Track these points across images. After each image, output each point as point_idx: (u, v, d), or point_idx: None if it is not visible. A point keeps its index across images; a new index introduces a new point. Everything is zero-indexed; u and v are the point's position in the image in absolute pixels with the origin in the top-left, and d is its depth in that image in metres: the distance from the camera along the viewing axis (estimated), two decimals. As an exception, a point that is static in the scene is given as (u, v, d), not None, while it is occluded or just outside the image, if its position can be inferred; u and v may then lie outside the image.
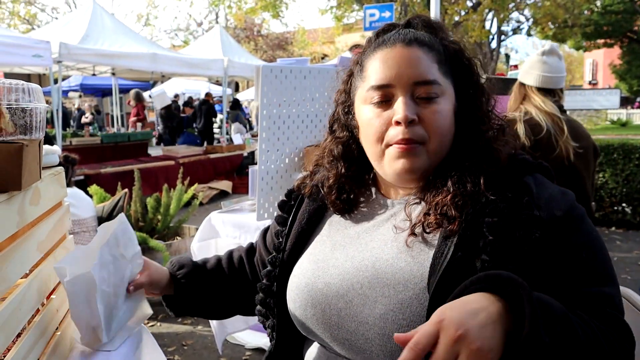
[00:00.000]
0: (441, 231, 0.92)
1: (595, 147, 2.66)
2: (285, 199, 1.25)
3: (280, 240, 1.18)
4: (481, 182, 0.92)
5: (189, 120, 12.85)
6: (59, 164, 1.35)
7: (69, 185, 3.36)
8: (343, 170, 1.09)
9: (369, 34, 1.14)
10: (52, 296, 1.17)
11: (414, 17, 1.06)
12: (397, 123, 0.95)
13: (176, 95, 14.69)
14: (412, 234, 0.96)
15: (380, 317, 0.93)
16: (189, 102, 13.74)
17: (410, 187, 1.04)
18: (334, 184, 1.09)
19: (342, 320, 0.97)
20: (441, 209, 0.92)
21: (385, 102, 0.98)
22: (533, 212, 0.88)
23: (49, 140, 9.11)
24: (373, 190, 1.11)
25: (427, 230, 0.95)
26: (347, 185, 1.09)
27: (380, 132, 0.97)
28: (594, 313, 0.84)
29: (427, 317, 0.86)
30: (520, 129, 2.39)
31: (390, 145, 0.97)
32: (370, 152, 1.02)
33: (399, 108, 0.94)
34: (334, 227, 1.12)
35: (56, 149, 1.34)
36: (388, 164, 0.98)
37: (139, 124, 12.42)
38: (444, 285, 0.87)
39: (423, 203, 0.99)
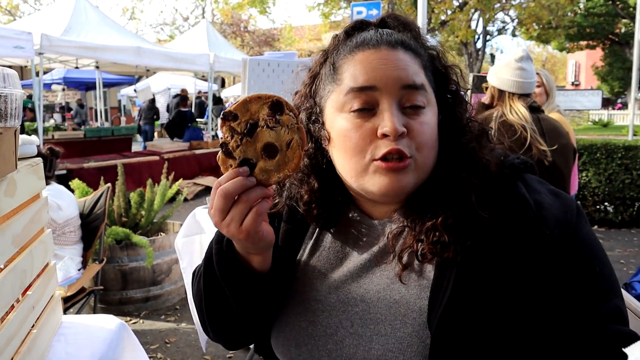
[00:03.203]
0: (436, 260, 0.85)
1: (573, 147, 2.75)
2: None
3: None
4: (472, 198, 0.84)
5: (192, 115, 12.67)
6: (42, 156, 1.31)
7: (51, 178, 3.28)
8: (316, 185, 0.96)
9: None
10: (28, 292, 1.12)
11: (388, 16, 0.95)
12: (384, 136, 0.83)
13: (153, 100, 14.62)
14: (404, 266, 0.87)
15: (377, 359, 0.84)
16: (185, 98, 13.44)
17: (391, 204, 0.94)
18: (309, 199, 0.97)
19: None
20: (433, 236, 0.84)
21: (367, 110, 0.85)
22: (541, 230, 0.81)
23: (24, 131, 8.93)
24: (353, 207, 0.99)
25: (421, 260, 0.86)
26: (324, 199, 0.97)
27: (362, 145, 0.85)
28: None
29: (430, 357, 0.79)
30: (494, 127, 2.46)
31: (375, 160, 0.84)
32: (347, 167, 0.88)
33: (387, 119, 0.82)
34: (312, 252, 1.00)
35: (34, 139, 1.29)
36: (371, 181, 0.86)
37: None
38: (447, 320, 0.79)
39: (408, 229, 0.90)
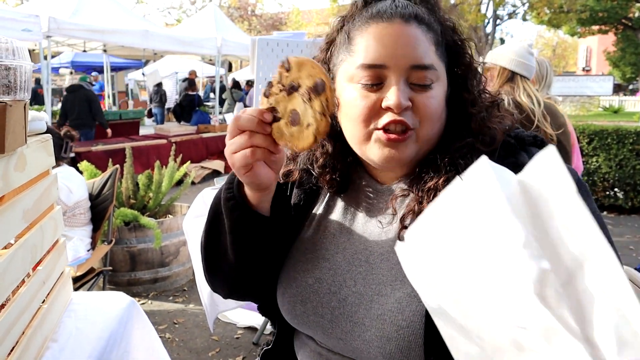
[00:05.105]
0: None
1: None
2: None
3: None
4: (475, 161, 0.86)
5: (199, 98, 12.58)
6: (57, 136, 1.30)
7: (64, 160, 3.31)
8: (331, 148, 0.98)
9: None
10: (38, 267, 1.13)
11: None
12: (388, 109, 0.85)
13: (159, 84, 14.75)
14: (404, 226, 0.89)
15: (377, 318, 0.86)
16: (193, 81, 13.29)
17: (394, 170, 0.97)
18: (324, 162, 0.99)
19: (335, 319, 0.91)
20: (434, 195, 0.85)
21: (375, 85, 0.87)
22: None
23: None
24: (362, 172, 1.02)
25: None
26: (338, 163, 0.99)
27: (366, 115, 0.87)
28: None
29: (427, 317, 0.80)
30: (506, 102, 2.54)
31: (377, 129, 0.87)
32: (351, 134, 0.92)
33: (392, 94, 0.84)
34: (323, 214, 1.03)
35: (44, 115, 1.28)
36: (373, 150, 0.89)
37: None
38: None
39: (412, 194, 0.91)
